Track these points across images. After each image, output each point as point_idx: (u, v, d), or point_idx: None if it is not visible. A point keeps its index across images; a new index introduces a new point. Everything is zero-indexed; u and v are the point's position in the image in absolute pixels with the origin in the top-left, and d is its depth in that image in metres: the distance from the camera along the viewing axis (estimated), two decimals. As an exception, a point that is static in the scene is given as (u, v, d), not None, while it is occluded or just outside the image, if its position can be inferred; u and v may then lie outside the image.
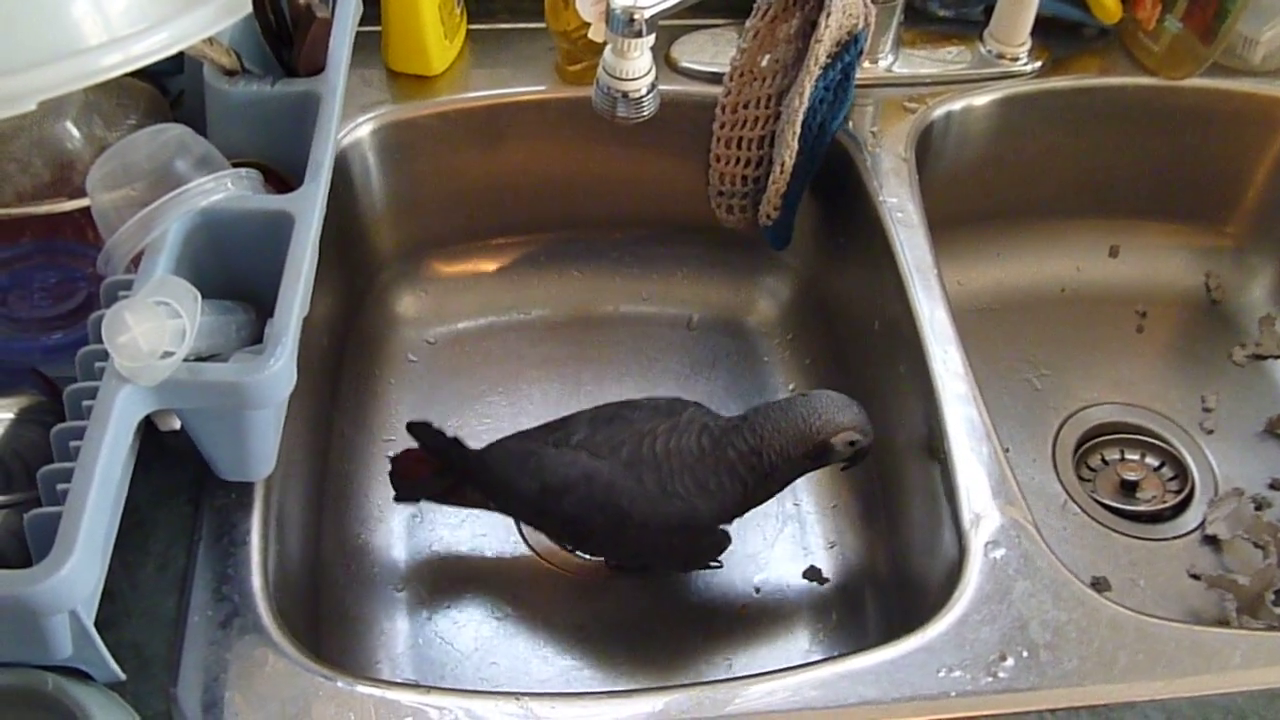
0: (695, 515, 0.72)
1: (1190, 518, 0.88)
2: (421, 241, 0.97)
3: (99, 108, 0.70)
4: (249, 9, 0.64)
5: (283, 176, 0.71)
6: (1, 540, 0.58)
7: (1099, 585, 0.83)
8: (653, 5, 0.67)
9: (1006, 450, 0.72)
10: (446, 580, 0.82)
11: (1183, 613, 0.82)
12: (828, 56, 0.79)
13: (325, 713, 0.58)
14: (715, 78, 0.86)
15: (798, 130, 0.79)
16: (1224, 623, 0.81)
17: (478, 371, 0.94)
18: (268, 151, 0.71)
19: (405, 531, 0.84)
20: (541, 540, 0.83)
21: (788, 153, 0.80)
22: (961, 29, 0.95)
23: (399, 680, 0.76)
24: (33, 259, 0.76)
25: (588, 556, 0.82)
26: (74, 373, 0.58)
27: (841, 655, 0.62)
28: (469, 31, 0.93)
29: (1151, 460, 0.92)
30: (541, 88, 0.90)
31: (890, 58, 0.92)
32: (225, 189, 0.63)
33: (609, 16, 0.68)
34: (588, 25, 0.83)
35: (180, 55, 0.61)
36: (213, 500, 0.66)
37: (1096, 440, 0.93)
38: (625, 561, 0.81)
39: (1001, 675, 0.61)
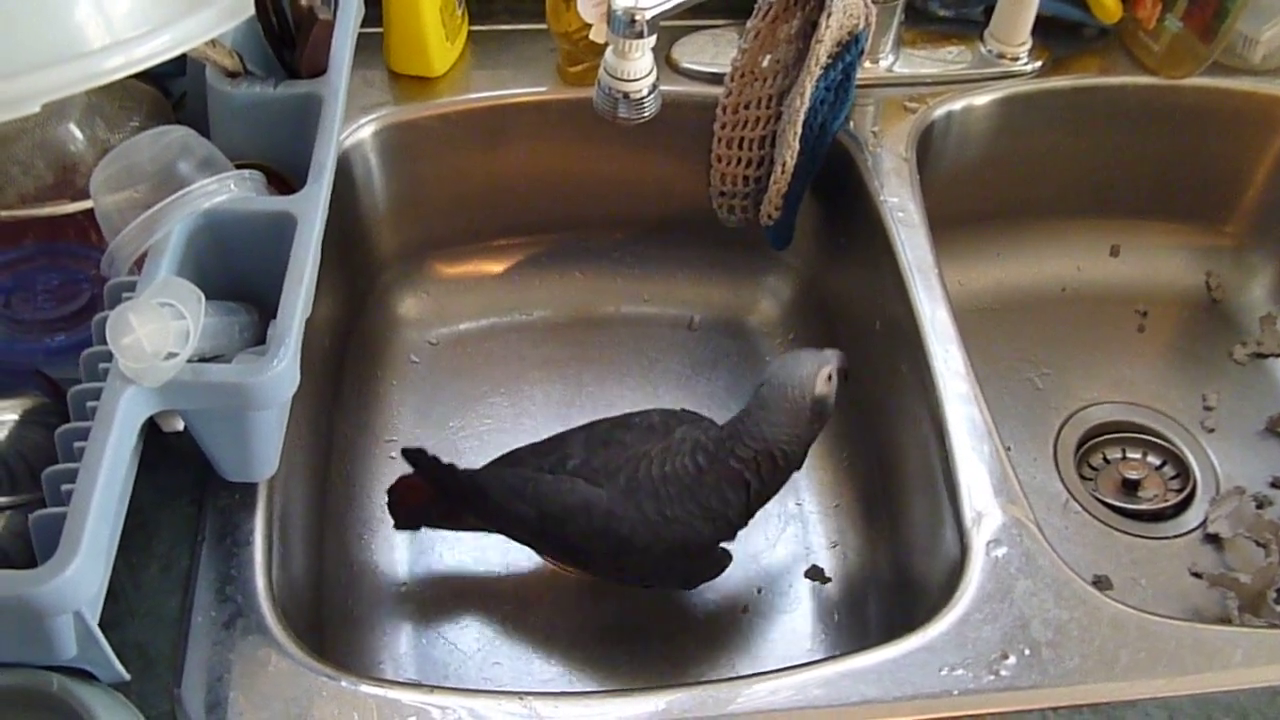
0: (697, 538, 0.71)
1: (1192, 516, 0.89)
2: (423, 242, 0.97)
3: (102, 110, 0.70)
4: (251, 11, 0.64)
5: (285, 178, 0.71)
6: (6, 541, 0.58)
7: (1101, 584, 0.83)
8: (654, 6, 0.67)
9: (1008, 449, 0.73)
10: (449, 581, 0.82)
11: (1184, 611, 0.83)
12: (829, 57, 0.79)
13: (328, 712, 0.58)
14: (716, 78, 0.86)
15: (799, 130, 0.80)
16: (1226, 621, 0.81)
17: (479, 372, 0.94)
18: (270, 153, 0.71)
19: (408, 532, 0.84)
20: (543, 541, 0.83)
21: (789, 153, 0.80)
22: (962, 29, 0.95)
23: (402, 680, 0.76)
24: (36, 261, 0.77)
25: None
26: (77, 374, 0.59)
27: (844, 654, 0.62)
28: (470, 33, 0.94)
29: (1153, 459, 0.92)
30: (543, 89, 0.90)
31: (891, 58, 0.93)
32: (228, 190, 0.64)
33: (610, 17, 0.68)
34: (589, 26, 0.83)
35: (183, 57, 0.60)
36: (216, 501, 0.66)
37: (1098, 439, 0.93)
38: (626, 582, 0.81)
39: (1003, 674, 0.61)
